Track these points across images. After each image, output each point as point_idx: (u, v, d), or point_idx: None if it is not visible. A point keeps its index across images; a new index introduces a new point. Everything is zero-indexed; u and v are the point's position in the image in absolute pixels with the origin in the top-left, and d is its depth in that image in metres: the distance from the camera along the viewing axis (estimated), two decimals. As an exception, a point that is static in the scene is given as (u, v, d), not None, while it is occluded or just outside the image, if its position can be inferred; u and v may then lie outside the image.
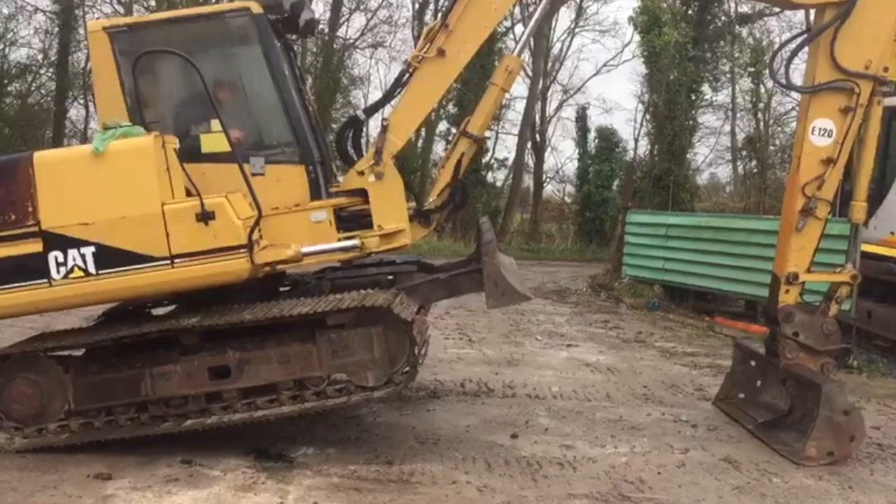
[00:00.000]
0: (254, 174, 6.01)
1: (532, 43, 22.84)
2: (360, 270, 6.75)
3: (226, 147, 5.89)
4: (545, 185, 34.46)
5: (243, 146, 6.23)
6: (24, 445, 5.80)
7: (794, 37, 7.03)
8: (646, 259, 16.46)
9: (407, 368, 5.80)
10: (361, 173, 6.36)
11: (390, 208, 6.34)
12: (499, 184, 32.44)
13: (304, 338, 5.87)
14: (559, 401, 7.93)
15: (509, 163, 32.14)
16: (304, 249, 6.05)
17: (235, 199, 5.79)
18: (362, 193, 6.38)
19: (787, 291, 6.71)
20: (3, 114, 28.18)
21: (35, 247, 5.59)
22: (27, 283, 5.61)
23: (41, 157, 5.74)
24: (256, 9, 6.22)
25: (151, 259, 5.59)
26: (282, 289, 6.70)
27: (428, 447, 6.02)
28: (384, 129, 6.34)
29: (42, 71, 29.83)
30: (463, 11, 6.35)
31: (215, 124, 5.91)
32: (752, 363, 7.51)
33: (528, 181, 34.17)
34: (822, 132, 6.56)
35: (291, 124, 6.34)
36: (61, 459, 5.63)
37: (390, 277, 6.61)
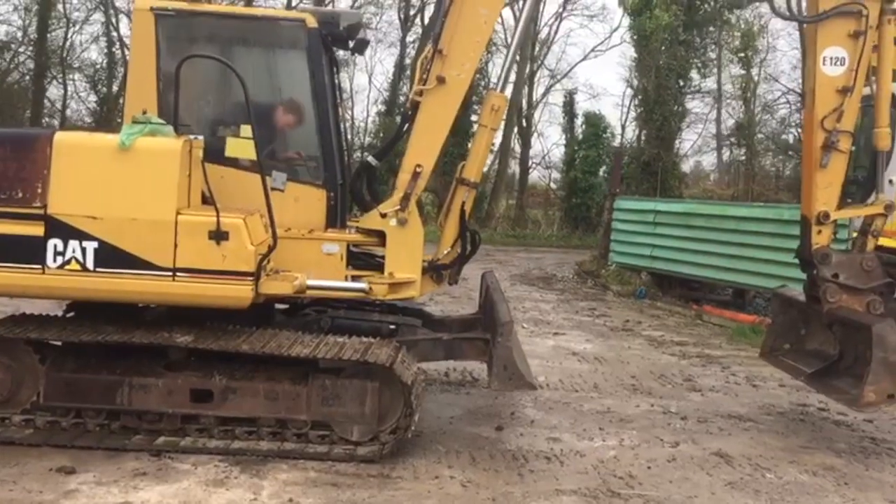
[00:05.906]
0: (273, 188, 5.69)
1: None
2: (363, 313, 6.47)
3: (251, 154, 5.58)
4: (531, 170, 34.36)
5: (273, 158, 6.05)
6: (-14, 436, 5.51)
7: None
8: (633, 246, 16.28)
9: (396, 429, 5.56)
10: (384, 215, 6.09)
11: (406, 257, 6.09)
12: (484, 169, 32.17)
13: (295, 377, 5.60)
14: (545, 391, 7.72)
15: (495, 148, 31.87)
16: (310, 283, 5.80)
17: (252, 221, 5.49)
18: (380, 235, 6.14)
19: (820, 232, 6.42)
20: (-19, 92, 27.64)
21: (36, 230, 5.28)
22: (19, 265, 5.32)
23: (62, 137, 5.42)
24: (312, 23, 6.00)
25: (153, 267, 5.30)
26: (278, 306, 6.37)
27: (410, 440, 5.78)
28: (416, 175, 6.07)
29: (21, 49, 29.28)
30: (454, 33, 6.06)
31: (245, 129, 5.60)
32: (794, 311, 7.14)
33: (514, 167, 34.05)
34: (833, 61, 6.28)
35: (322, 143, 6.12)
36: (23, 451, 5.34)
37: (392, 327, 6.38)
